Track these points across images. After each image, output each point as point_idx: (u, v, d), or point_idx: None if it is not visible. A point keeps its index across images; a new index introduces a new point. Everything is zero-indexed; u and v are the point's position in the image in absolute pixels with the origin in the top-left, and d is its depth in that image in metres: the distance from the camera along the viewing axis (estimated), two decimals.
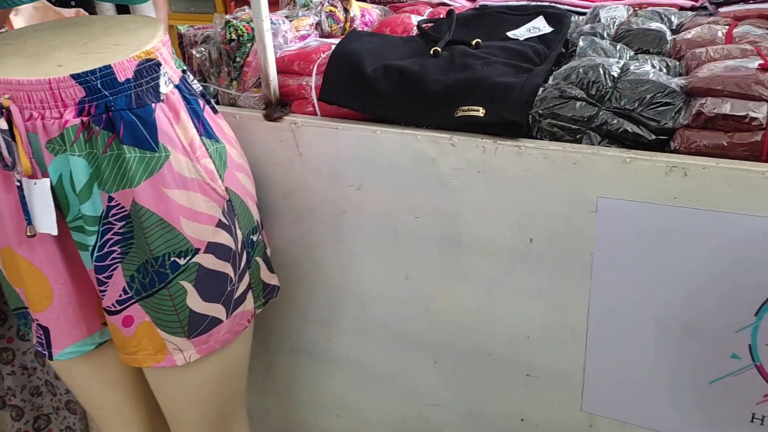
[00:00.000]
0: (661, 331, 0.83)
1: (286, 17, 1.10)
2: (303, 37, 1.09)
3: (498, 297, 0.93)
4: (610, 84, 0.82)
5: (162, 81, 0.77)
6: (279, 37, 1.03)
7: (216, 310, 0.84)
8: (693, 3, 1.15)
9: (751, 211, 0.73)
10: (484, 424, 1.02)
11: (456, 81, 0.89)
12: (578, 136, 0.83)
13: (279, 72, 0.99)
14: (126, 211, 0.77)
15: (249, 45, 1.00)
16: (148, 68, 0.76)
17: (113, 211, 0.77)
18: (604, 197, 0.81)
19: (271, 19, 0.98)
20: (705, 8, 1.13)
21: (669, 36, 0.98)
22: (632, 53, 0.94)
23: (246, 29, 1.00)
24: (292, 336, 1.15)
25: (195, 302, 0.81)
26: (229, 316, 0.86)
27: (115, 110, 0.74)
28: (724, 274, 0.76)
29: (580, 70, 0.84)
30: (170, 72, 0.79)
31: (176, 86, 0.79)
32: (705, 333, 0.80)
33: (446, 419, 1.06)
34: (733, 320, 0.78)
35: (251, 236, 0.89)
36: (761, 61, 0.79)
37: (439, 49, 0.97)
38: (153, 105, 0.76)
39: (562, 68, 0.87)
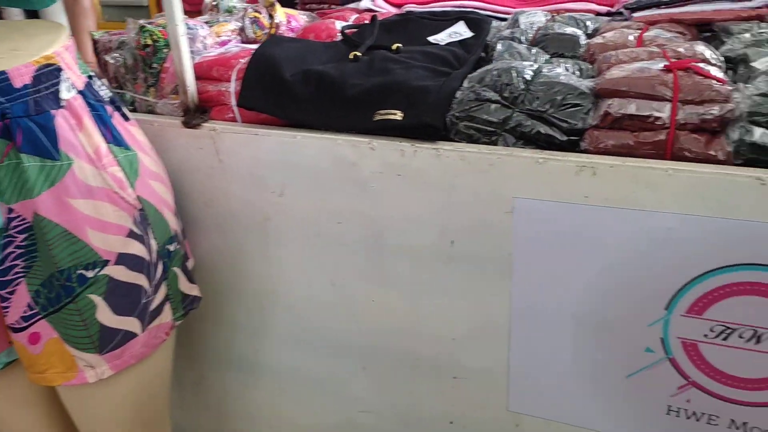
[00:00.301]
0: (578, 327, 0.84)
1: (206, 23, 1.08)
2: (223, 43, 1.07)
3: (422, 300, 0.92)
4: (522, 87, 0.84)
5: (63, 87, 0.74)
6: (197, 43, 1.01)
7: (129, 323, 0.81)
8: (609, 8, 1.19)
9: (656, 207, 0.75)
10: (414, 428, 1.02)
11: (374, 85, 0.89)
12: (494, 138, 0.84)
13: (198, 78, 0.97)
14: (28, 222, 0.74)
15: (165, 51, 0.98)
16: (48, 74, 0.73)
17: (14, 224, 0.74)
18: (520, 197, 0.82)
19: (187, 24, 0.96)
20: (620, 14, 1.16)
21: (583, 40, 1.01)
22: (547, 57, 0.96)
23: (162, 34, 0.98)
24: (221, 347, 1.13)
25: (106, 316, 0.78)
26: (145, 329, 0.83)
27: (12, 117, 0.71)
28: (634, 270, 0.78)
29: (494, 73, 0.85)
30: (73, 77, 0.76)
31: (80, 92, 0.76)
32: (619, 328, 0.82)
33: (377, 424, 1.05)
34: (645, 315, 0.80)
35: (167, 246, 0.86)
36: (666, 63, 0.82)
37: (359, 54, 0.97)
38: (53, 111, 0.73)
39: (477, 72, 0.88)
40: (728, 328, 0.76)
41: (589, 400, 0.87)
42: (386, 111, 0.86)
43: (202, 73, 0.98)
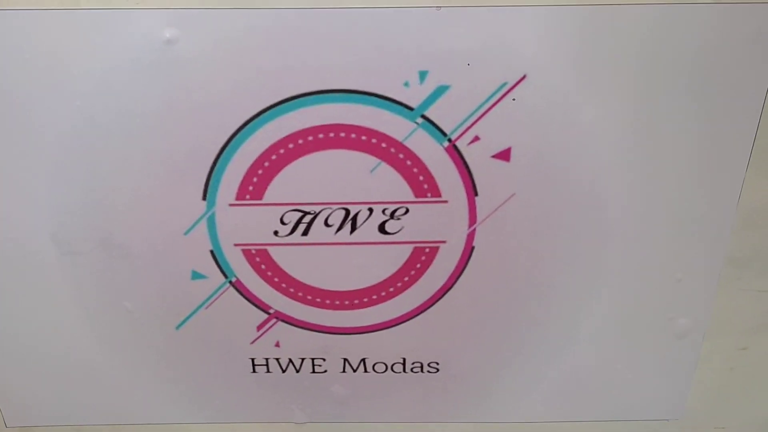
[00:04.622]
0: (66, 260, 0.45)
1: None
2: None
3: None
4: None
5: None
6: None
7: None
8: None
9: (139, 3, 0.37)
10: None
11: None
12: None
13: None
14: None
15: None
16: None
17: None
18: None
19: None
20: None
21: None
22: None
23: None
24: None
25: None
26: None
27: None
28: (122, 138, 0.40)
29: None
30: None
31: None
32: (137, 249, 0.45)
33: None
34: (174, 216, 0.44)
35: None
36: None
37: None
38: None
39: None
40: (305, 212, 0.43)
41: (126, 383, 0.50)
42: None
43: None
